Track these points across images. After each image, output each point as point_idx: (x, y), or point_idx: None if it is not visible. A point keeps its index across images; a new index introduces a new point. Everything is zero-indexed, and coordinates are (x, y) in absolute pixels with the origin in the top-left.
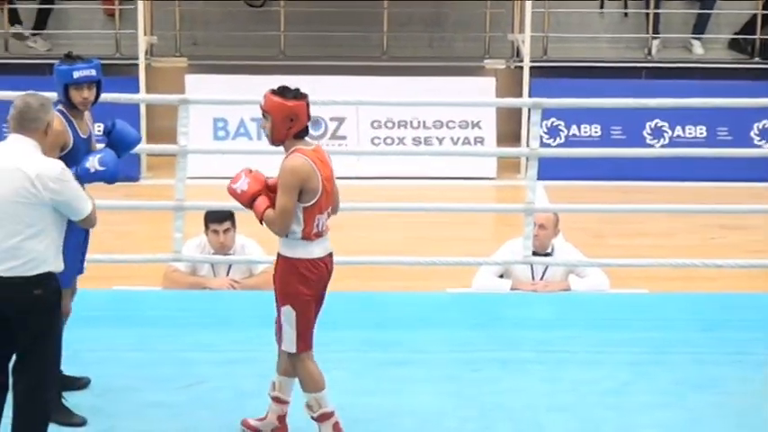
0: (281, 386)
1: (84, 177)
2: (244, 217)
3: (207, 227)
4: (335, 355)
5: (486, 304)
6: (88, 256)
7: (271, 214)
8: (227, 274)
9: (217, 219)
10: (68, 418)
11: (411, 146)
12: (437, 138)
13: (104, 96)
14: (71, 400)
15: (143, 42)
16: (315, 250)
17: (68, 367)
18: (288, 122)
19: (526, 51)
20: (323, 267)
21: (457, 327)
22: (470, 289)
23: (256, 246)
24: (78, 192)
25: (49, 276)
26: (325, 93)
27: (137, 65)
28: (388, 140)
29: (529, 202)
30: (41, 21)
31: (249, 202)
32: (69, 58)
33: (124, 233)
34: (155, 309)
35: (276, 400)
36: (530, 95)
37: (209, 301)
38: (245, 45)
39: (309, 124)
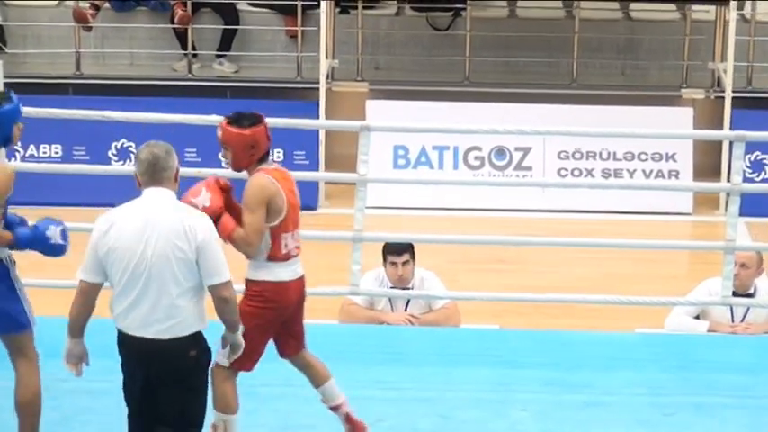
0: (326, 395)
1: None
2: (424, 249)
3: (385, 259)
4: (520, 395)
5: (681, 346)
6: None
7: (241, 233)
8: (406, 309)
9: (396, 251)
10: None
11: (600, 178)
12: (628, 170)
13: (284, 122)
14: None
15: (324, 66)
16: (281, 273)
17: (245, 401)
18: (249, 150)
19: (728, 81)
20: (290, 292)
21: (648, 368)
22: (663, 329)
23: (436, 279)
24: (221, 253)
25: (200, 336)
26: (510, 121)
27: (317, 89)
28: (576, 172)
29: (729, 239)
30: (226, 43)
31: (213, 219)
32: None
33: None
34: (330, 343)
35: (332, 409)
36: (731, 127)
37: (386, 336)
38: (429, 70)
39: (271, 149)
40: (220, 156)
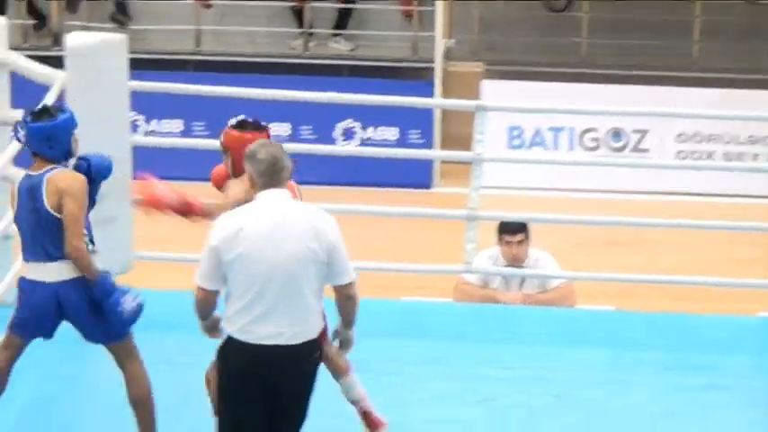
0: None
1: None
2: (539, 230)
3: (500, 238)
4: (635, 377)
5: None
6: (375, 264)
7: None
8: (520, 289)
9: (510, 230)
10: None
11: (721, 161)
12: (752, 154)
13: (400, 100)
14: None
15: (440, 45)
16: None
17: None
18: None
19: None
20: None
21: None
22: None
23: (551, 259)
24: (346, 251)
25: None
26: (627, 103)
27: (432, 68)
28: (695, 155)
29: None
30: (342, 21)
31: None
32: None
33: (414, 242)
34: (445, 321)
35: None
36: None
37: (501, 315)
38: (545, 51)
39: None
40: (224, 162)
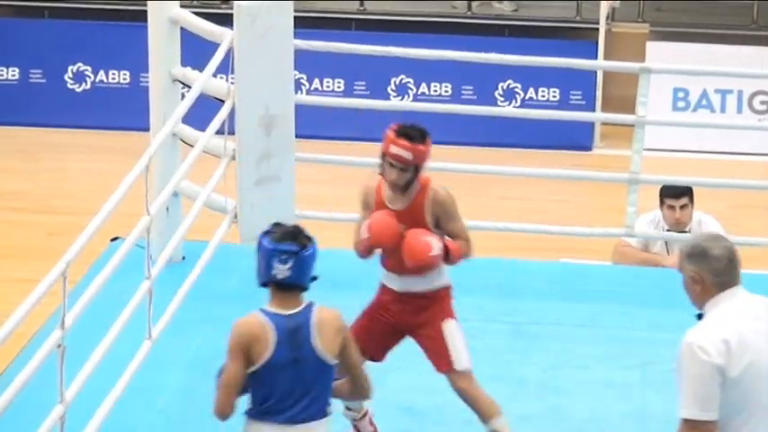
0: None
1: None
2: (704, 193)
3: (662, 202)
4: None
5: None
6: (535, 225)
7: (467, 244)
8: None
9: (674, 194)
10: None
11: None
12: None
13: (562, 61)
14: (520, 372)
15: (605, 6)
16: None
17: (514, 339)
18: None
19: None
20: None
21: None
22: None
23: (715, 223)
24: None
25: None
26: None
27: (596, 29)
28: None
29: None
30: None
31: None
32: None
33: (573, 204)
34: (603, 284)
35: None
36: None
37: (662, 279)
38: (714, 13)
39: None
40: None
